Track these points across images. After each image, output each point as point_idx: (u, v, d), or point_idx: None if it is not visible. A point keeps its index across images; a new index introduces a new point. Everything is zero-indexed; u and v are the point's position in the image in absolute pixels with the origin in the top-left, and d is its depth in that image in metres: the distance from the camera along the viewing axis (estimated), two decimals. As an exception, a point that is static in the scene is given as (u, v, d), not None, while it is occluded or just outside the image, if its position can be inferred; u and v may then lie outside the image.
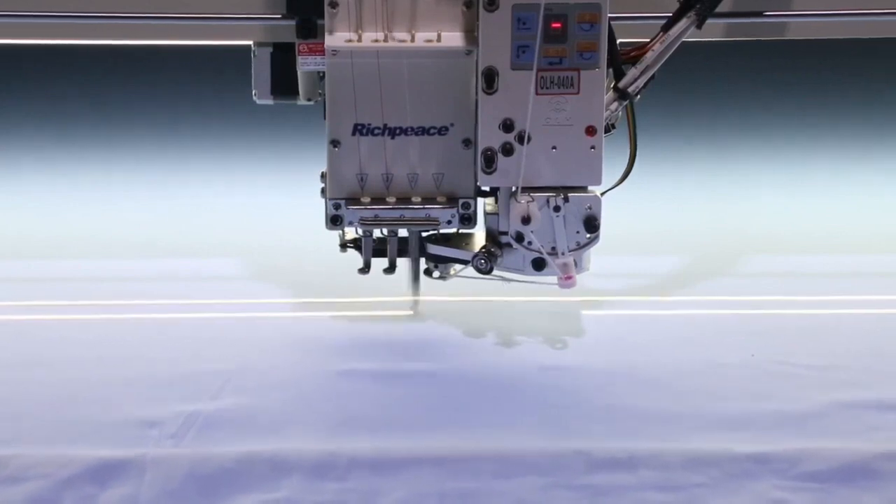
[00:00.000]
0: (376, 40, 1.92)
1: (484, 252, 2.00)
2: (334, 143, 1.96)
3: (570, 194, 1.96)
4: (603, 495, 1.65)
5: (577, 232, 1.97)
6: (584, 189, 1.97)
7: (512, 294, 2.12)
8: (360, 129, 1.96)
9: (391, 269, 2.07)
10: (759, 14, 2.06)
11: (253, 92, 2.03)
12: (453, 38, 1.93)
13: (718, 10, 1.95)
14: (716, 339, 2.06)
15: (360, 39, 1.92)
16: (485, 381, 1.91)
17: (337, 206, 1.98)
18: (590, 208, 1.96)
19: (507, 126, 1.92)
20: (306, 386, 1.89)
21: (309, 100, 2.03)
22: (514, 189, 1.96)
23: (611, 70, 1.95)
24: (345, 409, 1.82)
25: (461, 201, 1.99)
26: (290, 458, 1.69)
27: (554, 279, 1.99)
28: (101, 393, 1.86)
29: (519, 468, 1.68)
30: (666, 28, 1.95)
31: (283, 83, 2.01)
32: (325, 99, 1.96)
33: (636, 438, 1.73)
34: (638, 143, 1.98)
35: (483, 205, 2.04)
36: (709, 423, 1.78)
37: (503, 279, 2.04)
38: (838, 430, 1.76)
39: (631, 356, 1.98)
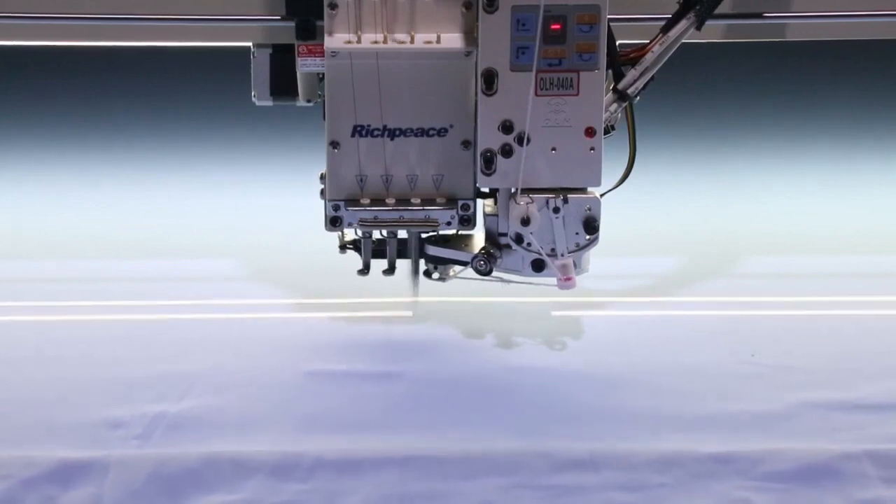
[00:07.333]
0: (376, 42, 1.92)
1: (483, 253, 2.00)
2: (334, 144, 1.96)
3: (569, 195, 1.96)
4: (566, 495, 1.66)
5: (577, 233, 1.97)
6: (583, 190, 1.97)
7: (507, 295, 2.12)
8: (359, 131, 1.96)
9: (390, 270, 2.07)
10: (759, 15, 2.06)
11: (252, 93, 2.03)
12: (453, 40, 1.93)
13: (718, 11, 1.95)
14: (695, 339, 2.07)
15: (359, 41, 1.91)
16: (456, 381, 1.92)
17: (336, 208, 1.98)
18: (589, 209, 1.96)
19: (507, 127, 1.92)
20: (274, 387, 1.90)
21: (308, 101, 2.02)
22: (513, 190, 1.96)
23: (610, 71, 1.95)
24: (311, 410, 1.83)
25: (460, 202, 1.99)
26: (254, 458, 1.70)
27: (553, 280, 1.99)
28: (68, 393, 1.87)
29: (482, 469, 1.69)
30: (665, 29, 1.95)
31: (283, 84, 2.01)
32: (324, 100, 1.96)
33: (601, 439, 1.74)
34: (637, 144, 1.98)
35: (482, 206, 2.04)
36: (675, 424, 1.79)
37: (502, 280, 2.04)
38: (803, 431, 1.78)
39: (608, 357, 2.00)
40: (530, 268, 2.00)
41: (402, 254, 2.06)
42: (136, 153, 3.03)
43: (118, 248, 2.49)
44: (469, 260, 2.01)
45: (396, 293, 2.13)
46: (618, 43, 1.95)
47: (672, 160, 2.98)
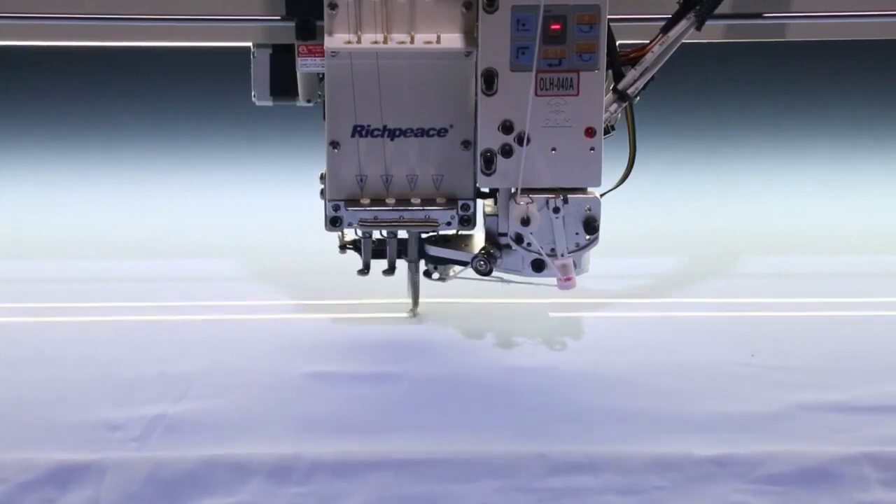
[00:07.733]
0: (376, 42, 1.92)
1: (483, 253, 2.00)
2: (334, 144, 1.96)
3: (569, 196, 1.96)
4: (562, 498, 1.66)
5: (577, 233, 1.97)
6: (583, 190, 1.97)
7: (507, 296, 2.12)
8: (359, 131, 1.96)
9: (390, 270, 2.07)
10: (759, 15, 2.06)
11: (252, 93, 2.03)
12: (453, 40, 1.93)
13: (718, 11, 1.95)
14: (695, 340, 2.07)
15: (359, 41, 1.91)
16: (455, 382, 1.91)
17: (336, 208, 1.98)
18: (589, 210, 1.96)
19: (507, 127, 1.92)
20: (273, 388, 1.89)
21: (308, 101, 2.02)
22: (513, 190, 1.96)
23: (610, 71, 1.95)
24: (309, 412, 1.83)
25: (460, 203, 1.99)
26: (251, 461, 1.69)
27: (553, 280, 1.99)
28: (67, 394, 1.86)
29: (480, 471, 1.69)
30: (665, 29, 1.95)
31: (283, 84, 2.01)
32: (324, 100, 1.96)
33: (598, 441, 1.74)
34: (637, 144, 1.98)
35: (482, 206, 2.04)
36: (673, 425, 1.79)
37: (502, 280, 2.04)
38: (802, 433, 1.77)
39: (607, 357, 1.99)
40: (530, 268, 2.00)
41: (402, 254, 2.06)
42: (136, 153, 3.03)
43: (118, 248, 2.48)
44: (469, 260, 2.01)
45: (396, 293, 2.13)
46: (618, 43, 1.95)
47: (672, 160, 2.98)
